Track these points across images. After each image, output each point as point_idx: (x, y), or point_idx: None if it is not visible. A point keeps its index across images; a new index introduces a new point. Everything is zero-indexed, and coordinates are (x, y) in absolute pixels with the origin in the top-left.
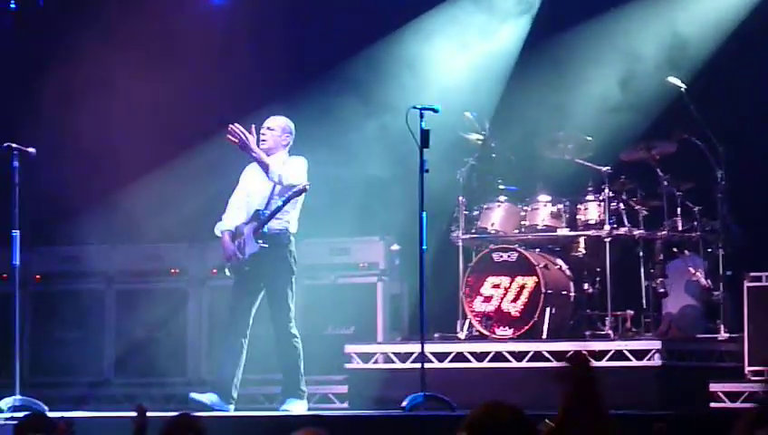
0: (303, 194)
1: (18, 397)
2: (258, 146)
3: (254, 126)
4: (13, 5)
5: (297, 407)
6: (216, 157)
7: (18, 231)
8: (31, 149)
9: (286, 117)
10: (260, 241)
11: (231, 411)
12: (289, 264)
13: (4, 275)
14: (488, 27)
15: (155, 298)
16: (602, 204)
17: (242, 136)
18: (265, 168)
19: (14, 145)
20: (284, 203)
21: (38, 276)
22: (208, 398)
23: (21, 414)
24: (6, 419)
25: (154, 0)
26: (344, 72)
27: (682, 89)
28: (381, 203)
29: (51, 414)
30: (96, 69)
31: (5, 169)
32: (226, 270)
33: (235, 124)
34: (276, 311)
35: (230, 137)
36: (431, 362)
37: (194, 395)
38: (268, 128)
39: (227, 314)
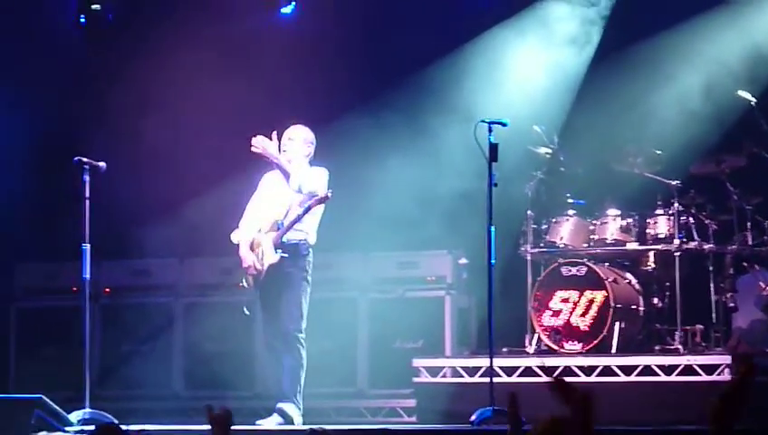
0: (323, 205)
1: (88, 410)
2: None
3: (275, 132)
4: (82, 20)
5: (293, 411)
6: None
7: (89, 245)
8: (101, 164)
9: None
10: (279, 251)
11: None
12: (306, 275)
13: (75, 289)
14: (558, 40)
15: (223, 311)
16: (672, 218)
17: (263, 144)
18: (287, 175)
19: (84, 159)
20: (304, 212)
21: (108, 290)
22: (273, 421)
23: (90, 427)
24: (76, 432)
25: (225, 12)
26: (408, 87)
27: (752, 103)
28: (450, 216)
29: (123, 427)
30: (165, 81)
31: (76, 183)
32: (243, 281)
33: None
34: (288, 317)
35: (253, 148)
36: (499, 376)
37: (260, 422)
38: (289, 138)
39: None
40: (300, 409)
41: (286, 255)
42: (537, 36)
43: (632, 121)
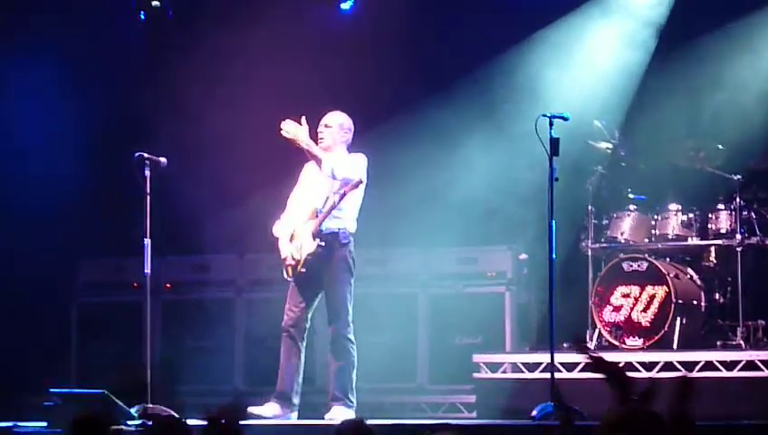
0: (362, 193)
1: (149, 405)
2: (316, 144)
3: (304, 117)
4: (142, 17)
5: (343, 415)
6: None
7: (149, 240)
8: (162, 159)
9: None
10: (317, 240)
11: (293, 420)
12: (348, 264)
13: (136, 284)
14: (620, 33)
15: (282, 307)
16: (733, 213)
17: (293, 129)
18: (318, 161)
19: (145, 155)
20: (340, 199)
21: (169, 285)
22: (270, 409)
23: (151, 422)
24: (138, 425)
25: (283, 8)
26: (472, 80)
27: None
28: (509, 211)
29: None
30: (225, 77)
31: (138, 178)
32: (284, 272)
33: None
34: (333, 313)
35: (283, 132)
36: (560, 371)
37: (252, 408)
38: (325, 125)
39: (284, 317)
40: (352, 406)
41: (323, 243)
42: (600, 30)
43: (693, 116)
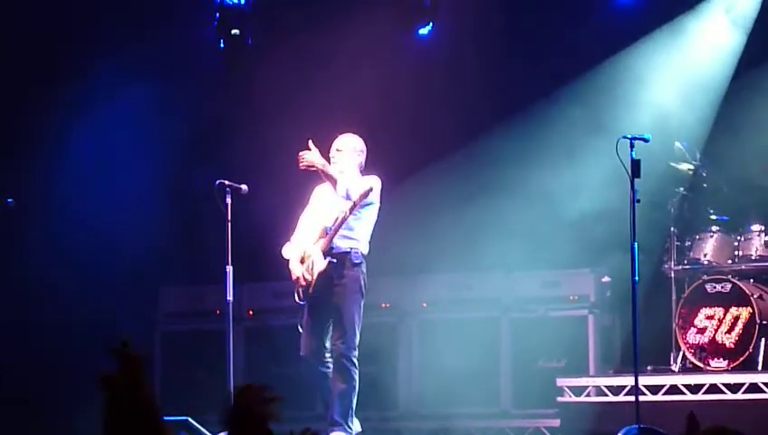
0: (375, 215)
1: None
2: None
3: (310, 141)
4: (221, 45)
5: None
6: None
7: (231, 267)
8: (243, 186)
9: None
10: (328, 258)
11: None
12: (359, 285)
13: (218, 312)
14: (699, 53)
15: (367, 333)
16: None
17: (306, 156)
18: (333, 182)
19: (226, 182)
20: (350, 213)
21: (251, 312)
22: None
23: None
24: None
25: (361, 35)
26: (551, 102)
27: None
28: (591, 234)
29: None
30: (304, 103)
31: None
32: (296, 296)
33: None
34: (340, 333)
35: (301, 165)
36: (645, 394)
37: None
38: (337, 149)
39: (301, 345)
40: (350, 433)
41: (335, 260)
42: (678, 51)
43: None
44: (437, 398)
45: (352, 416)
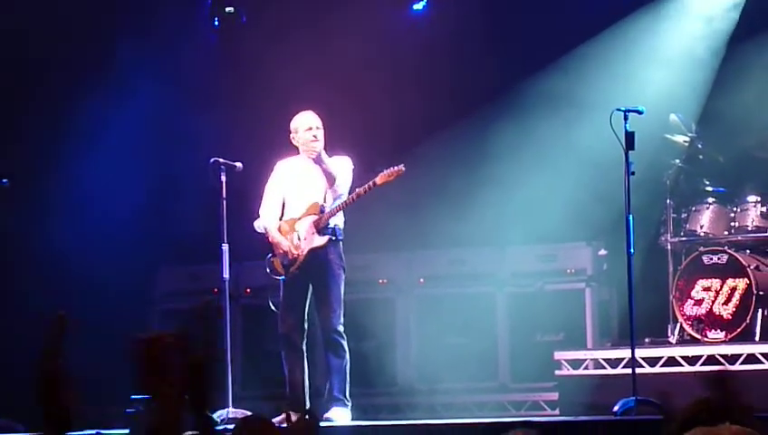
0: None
1: (231, 409)
2: (308, 146)
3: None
4: (216, 23)
5: (340, 415)
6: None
7: (227, 245)
8: (238, 164)
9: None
10: (326, 235)
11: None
12: (342, 260)
13: (215, 290)
14: (696, 25)
15: (365, 309)
16: None
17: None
18: (332, 179)
19: (221, 160)
20: (358, 196)
21: (248, 290)
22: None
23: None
24: (219, 430)
25: (356, 10)
26: (545, 77)
27: None
28: (587, 207)
29: None
30: (297, 80)
31: (214, 183)
32: (273, 270)
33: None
34: (327, 310)
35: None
36: (642, 366)
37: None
38: (317, 127)
39: (281, 323)
40: (348, 405)
41: (333, 237)
42: (674, 22)
43: None
44: (435, 373)
45: (347, 389)
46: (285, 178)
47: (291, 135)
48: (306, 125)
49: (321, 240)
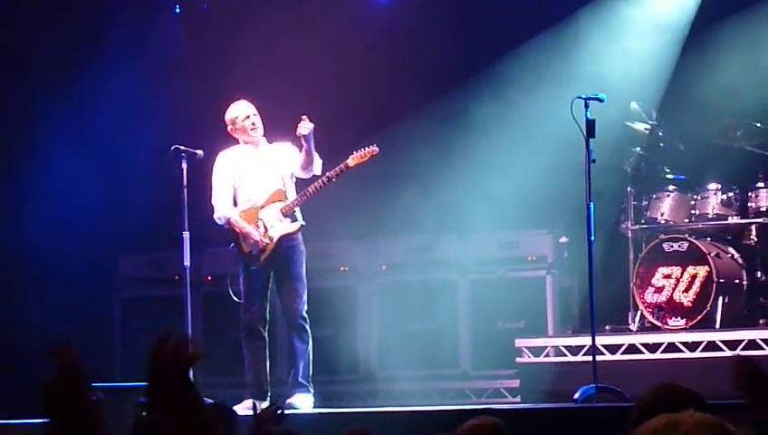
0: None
1: None
2: (249, 134)
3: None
4: (177, 10)
5: (303, 401)
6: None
7: (188, 233)
8: (199, 151)
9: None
10: (296, 221)
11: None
12: (303, 248)
13: (177, 278)
14: (656, 13)
15: (326, 296)
16: None
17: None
18: (312, 163)
19: (181, 147)
20: (328, 181)
21: (210, 278)
22: (244, 406)
23: None
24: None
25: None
26: (506, 65)
27: None
28: (549, 195)
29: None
30: (259, 71)
31: (175, 171)
32: (244, 258)
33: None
34: (294, 296)
35: (304, 128)
36: (603, 354)
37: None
38: (254, 114)
39: (245, 313)
40: (312, 392)
41: (304, 223)
42: (633, 10)
43: (732, 95)
44: (397, 360)
45: (311, 376)
46: (233, 169)
47: (228, 127)
48: (244, 114)
49: (292, 226)
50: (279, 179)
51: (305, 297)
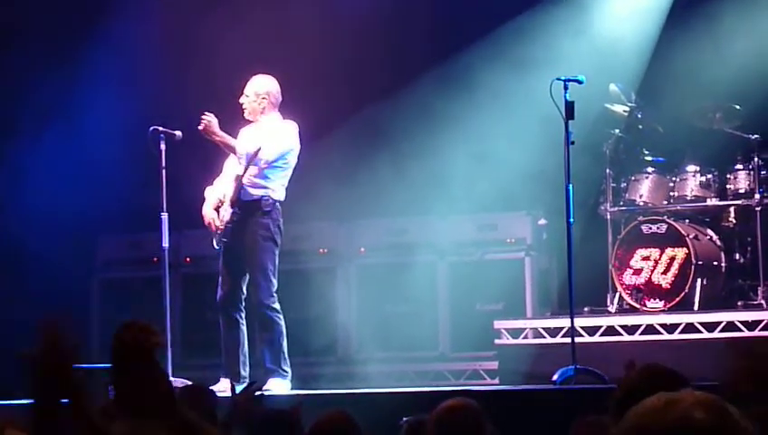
0: (294, 160)
1: (172, 378)
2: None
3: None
4: None
5: (277, 386)
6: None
7: (166, 214)
8: (177, 133)
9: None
10: (234, 208)
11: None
12: (271, 233)
13: (156, 259)
14: None
15: (305, 279)
16: (752, 173)
17: (207, 120)
18: (232, 149)
19: (160, 128)
20: (244, 171)
21: (188, 259)
22: (220, 387)
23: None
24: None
25: None
26: (480, 45)
27: None
28: (527, 177)
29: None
30: (236, 52)
31: (153, 152)
32: (213, 241)
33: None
34: (253, 283)
35: (201, 127)
36: (581, 335)
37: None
38: (245, 95)
39: (218, 292)
40: (286, 376)
41: (239, 210)
42: None
43: (711, 77)
44: (375, 342)
45: (285, 359)
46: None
47: (258, 98)
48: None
49: (227, 214)
50: (239, 164)
51: (267, 285)
